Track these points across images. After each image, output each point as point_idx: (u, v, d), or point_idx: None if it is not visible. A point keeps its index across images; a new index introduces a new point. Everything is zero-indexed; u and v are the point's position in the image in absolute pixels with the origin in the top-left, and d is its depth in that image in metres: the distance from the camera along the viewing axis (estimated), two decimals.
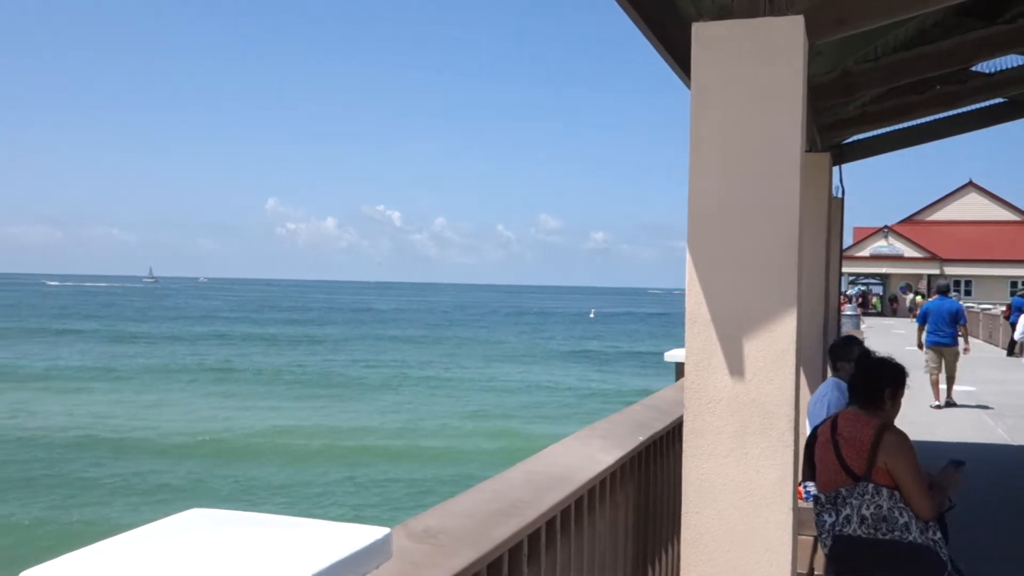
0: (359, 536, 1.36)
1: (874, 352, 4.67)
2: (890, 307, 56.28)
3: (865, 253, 57.86)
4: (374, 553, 1.36)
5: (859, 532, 3.82)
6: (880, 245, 58.10)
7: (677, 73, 4.28)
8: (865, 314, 46.48)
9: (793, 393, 3.11)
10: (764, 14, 3.11)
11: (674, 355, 5.37)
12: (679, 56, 4.08)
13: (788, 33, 3.05)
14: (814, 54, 5.62)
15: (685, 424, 3.30)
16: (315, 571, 1.20)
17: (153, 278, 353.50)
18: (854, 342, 5.65)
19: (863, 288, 63.41)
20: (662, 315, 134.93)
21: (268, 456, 24.38)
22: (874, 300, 58.45)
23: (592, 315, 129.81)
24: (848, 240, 56.12)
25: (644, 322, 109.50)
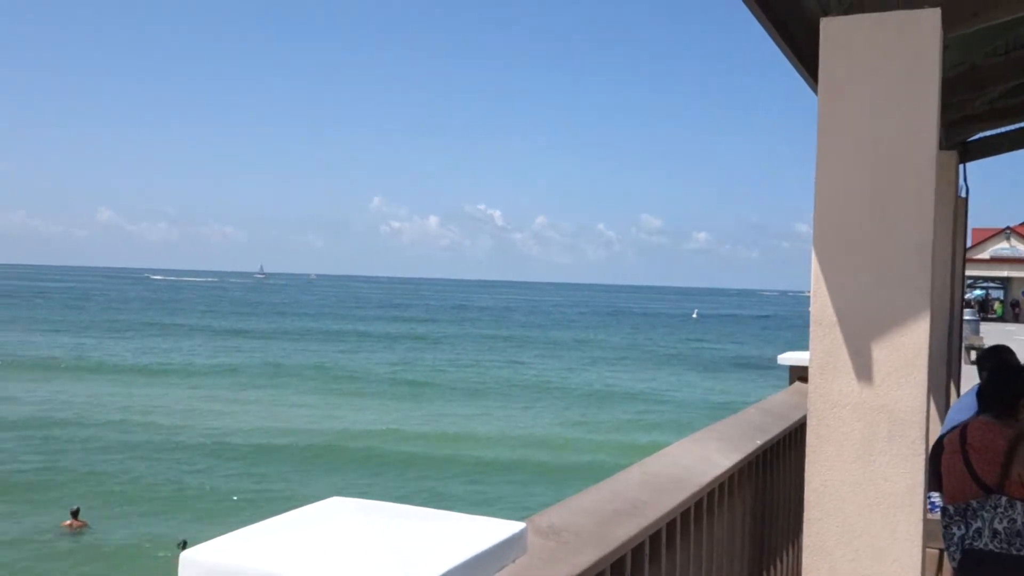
0: (497, 530, 1.39)
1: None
2: (1011, 312, 53.44)
3: (985, 255, 55.08)
4: (511, 547, 1.38)
5: (991, 546, 3.64)
6: (1002, 247, 55.22)
7: (799, 71, 4.17)
8: (985, 319, 44.27)
9: (924, 400, 3.00)
10: (896, 7, 3.00)
11: (789, 358, 5.23)
12: (802, 53, 3.98)
13: (924, 26, 2.93)
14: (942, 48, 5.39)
15: (808, 428, 3.21)
16: (456, 563, 1.23)
17: (263, 274, 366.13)
18: (1002, 351, 5.38)
19: (983, 292, 60.43)
20: (766, 317, 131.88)
21: (384, 460, 24.82)
22: (995, 305, 55.63)
23: (695, 316, 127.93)
24: (967, 241, 53.56)
25: (747, 324, 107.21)
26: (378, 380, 41.02)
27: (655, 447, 3.07)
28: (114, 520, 18.54)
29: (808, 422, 3.21)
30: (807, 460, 3.20)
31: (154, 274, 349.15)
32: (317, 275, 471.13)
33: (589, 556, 1.91)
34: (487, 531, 1.38)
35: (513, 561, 1.39)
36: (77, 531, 17.64)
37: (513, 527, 1.41)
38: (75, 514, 17.91)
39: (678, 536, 2.47)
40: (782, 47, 3.83)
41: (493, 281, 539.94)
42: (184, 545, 14.89)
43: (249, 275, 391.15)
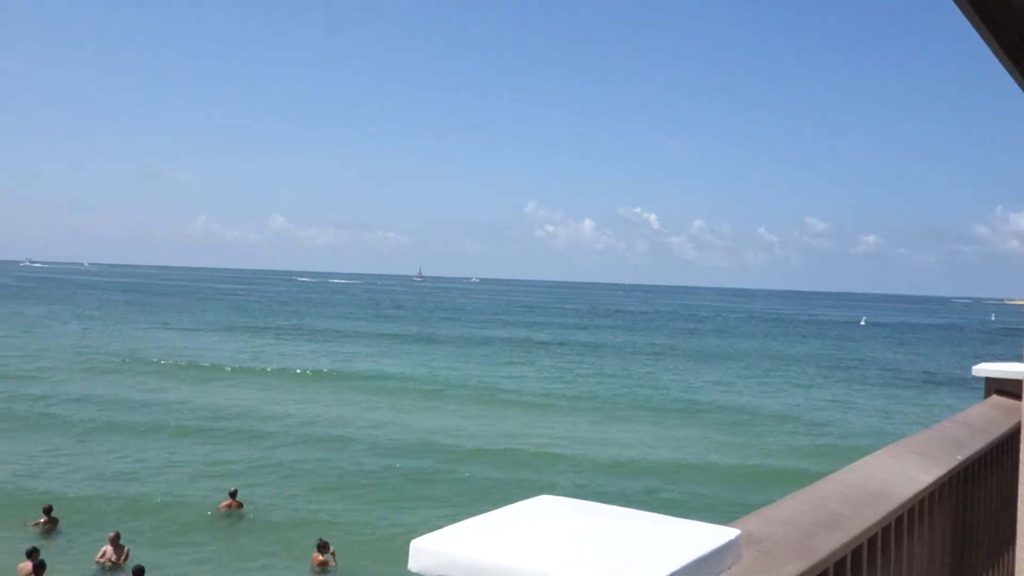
0: (713, 534, 1.37)
1: None
2: None
3: None
4: (728, 553, 1.36)
5: None
6: None
7: (1006, 65, 3.88)
8: None
9: None
10: None
11: (987, 369, 4.88)
12: (1009, 47, 3.70)
13: None
14: None
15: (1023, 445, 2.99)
16: (679, 565, 1.23)
17: (422, 277, 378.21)
18: None
19: None
20: (943, 326, 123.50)
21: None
22: None
23: (862, 323, 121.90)
24: None
25: (922, 333, 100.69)
26: (566, 396, 39.46)
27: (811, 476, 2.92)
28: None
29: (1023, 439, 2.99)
30: (1020, 479, 2.98)
31: (331, 277, 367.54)
32: (479, 279, 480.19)
33: (793, 568, 1.86)
34: (703, 535, 1.36)
35: (729, 567, 1.37)
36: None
37: (729, 532, 1.39)
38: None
39: (879, 552, 2.37)
40: (987, 39, 3.57)
41: (649, 286, 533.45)
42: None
43: (408, 279, 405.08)
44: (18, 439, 25.44)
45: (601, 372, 47.79)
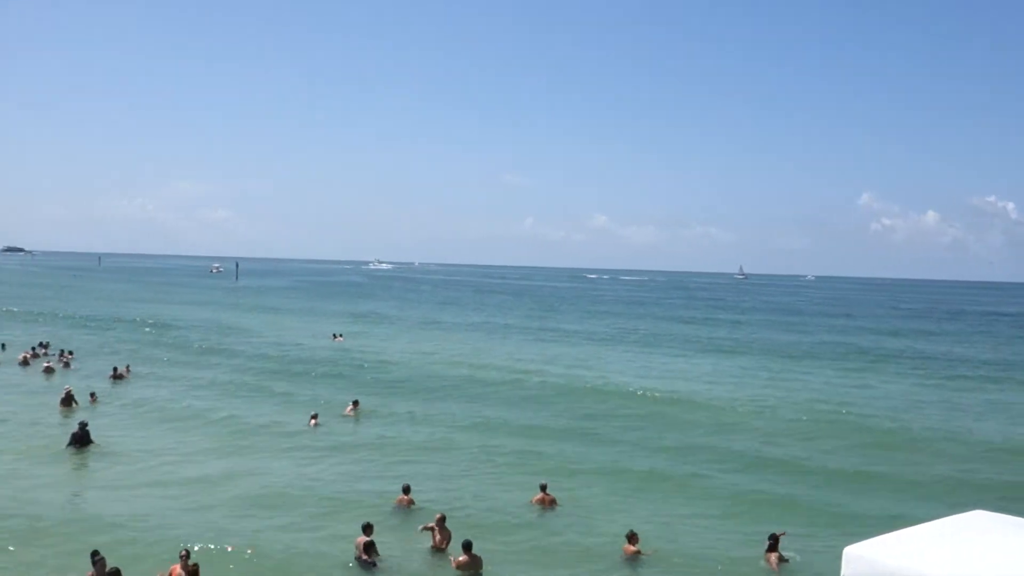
0: None
1: None
2: None
3: None
4: None
5: None
6: None
7: None
8: None
9: None
10: None
11: None
12: None
13: None
14: None
15: None
16: None
17: (744, 275, 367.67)
18: None
19: None
20: None
21: None
22: None
23: None
24: None
25: None
26: None
27: None
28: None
29: None
30: None
31: (649, 275, 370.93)
32: (815, 276, 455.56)
33: None
34: None
35: None
36: None
37: None
38: None
39: None
40: None
41: (1004, 283, 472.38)
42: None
43: (728, 276, 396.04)
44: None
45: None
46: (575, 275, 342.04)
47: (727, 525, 18.19)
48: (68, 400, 29.34)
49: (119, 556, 14.07)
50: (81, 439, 22.86)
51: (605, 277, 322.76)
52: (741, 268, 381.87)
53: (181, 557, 13.81)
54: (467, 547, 14.86)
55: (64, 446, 22.84)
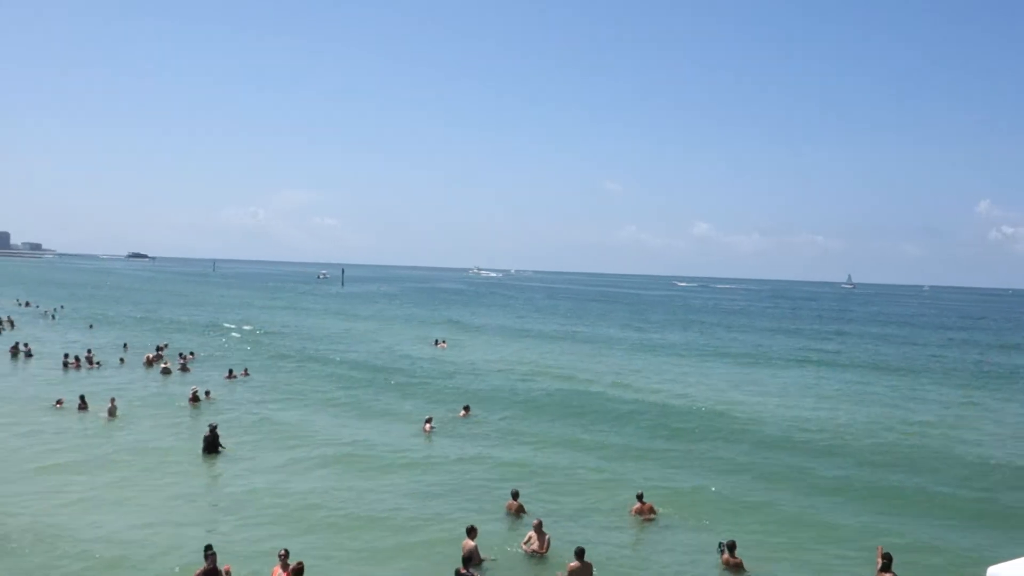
0: None
1: None
2: None
3: None
4: None
5: None
6: None
7: None
8: None
9: None
10: None
11: None
12: None
13: None
14: None
15: None
16: None
17: (852, 284, 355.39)
18: None
19: None
20: None
21: None
22: None
23: None
24: None
25: None
26: None
27: None
28: None
29: None
30: None
31: (742, 284, 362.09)
32: (930, 287, 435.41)
33: None
34: None
35: None
36: None
37: None
38: None
39: None
40: None
41: None
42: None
43: (836, 286, 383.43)
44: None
45: None
46: (668, 283, 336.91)
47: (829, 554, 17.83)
48: (195, 399, 31.45)
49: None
50: (211, 442, 24.18)
51: (695, 285, 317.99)
52: (849, 277, 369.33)
53: (280, 557, 14.27)
54: (579, 554, 15.02)
55: (199, 450, 24.15)
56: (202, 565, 14.08)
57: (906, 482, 23.48)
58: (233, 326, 66.32)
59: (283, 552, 14.37)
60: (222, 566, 14.13)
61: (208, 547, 14.31)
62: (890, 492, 22.40)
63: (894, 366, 53.35)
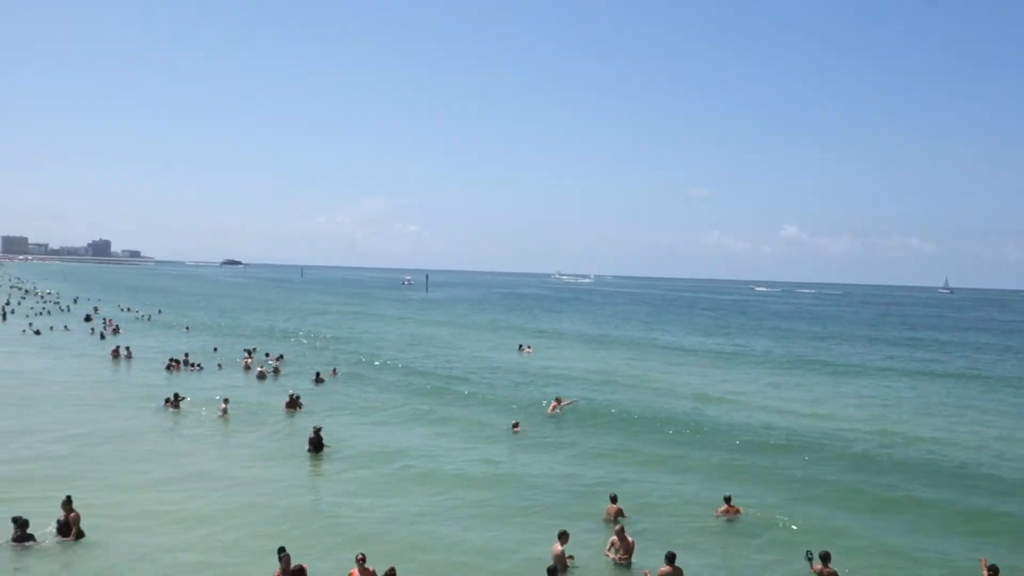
0: None
1: None
2: None
3: None
4: None
5: None
6: None
7: None
8: None
9: None
10: None
11: None
12: None
13: None
14: None
15: None
16: None
17: (949, 289, 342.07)
18: None
19: None
20: None
21: None
22: None
23: None
24: None
25: None
26: None
27: None
28: None
29: None
30: None
31: (829, 287, 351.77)
32: None
33: None
34: None
35: None
36: None
37: None
38: None
39: None
40: None
41: None
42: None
43: (932, 290, 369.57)
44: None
45: None
46: (747, 288, 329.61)
47: None
48: (293, 404, 32.18)
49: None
50: (316, 443, 25.11)
51: (776, 290, 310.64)
52: (947, 282, 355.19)
53: (358, 561, 14.62)
54: (670, 559, 15.02)
55: (305, 450, 25.10)
56: (276, 567, 14.63)
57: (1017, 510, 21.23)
58: (318, 331, 68.52)
59: (360, 556, 14.65)
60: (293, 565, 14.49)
61: (281, 549, 14.86)
62: (998, 520, 20.28)
63: (997, 375, 51.32)
